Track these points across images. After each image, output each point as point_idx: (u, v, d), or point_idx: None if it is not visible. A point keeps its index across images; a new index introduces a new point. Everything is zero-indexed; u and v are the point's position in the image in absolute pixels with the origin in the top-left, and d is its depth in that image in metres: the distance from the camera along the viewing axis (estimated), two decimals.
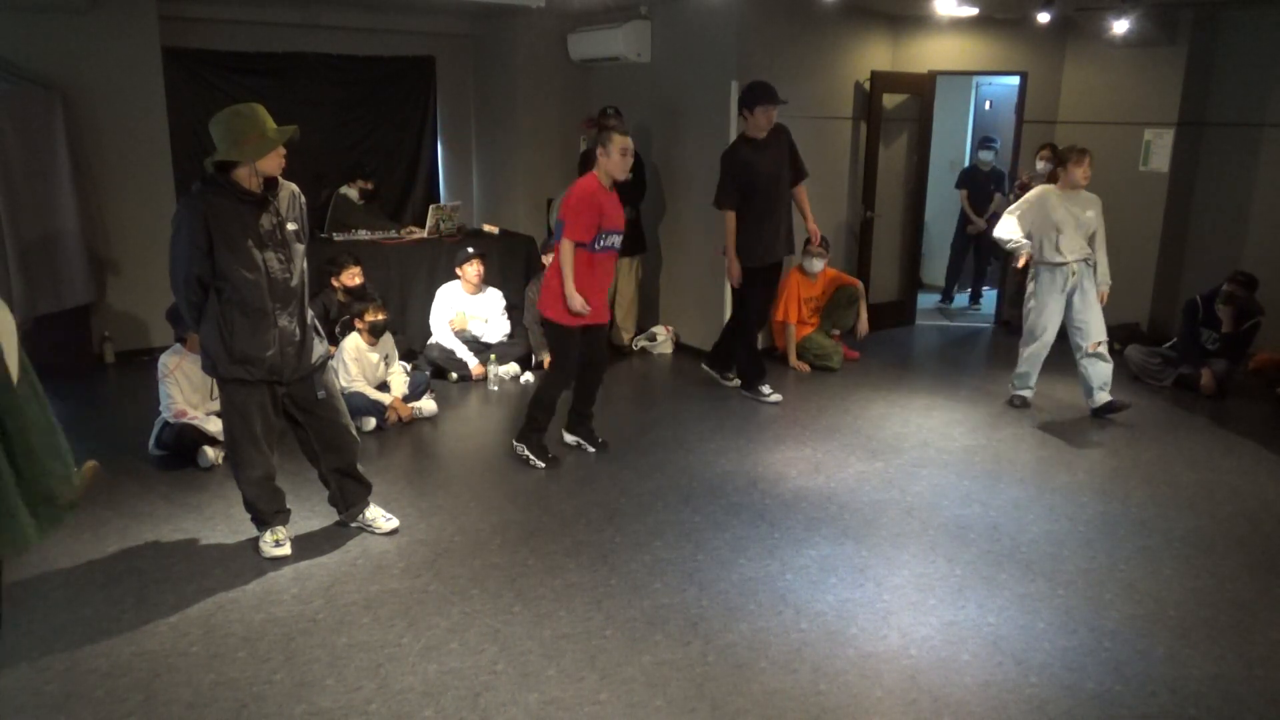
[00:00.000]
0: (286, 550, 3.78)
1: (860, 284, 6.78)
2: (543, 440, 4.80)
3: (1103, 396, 5.57)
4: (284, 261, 3.53)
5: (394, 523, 4.04)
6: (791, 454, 4.99)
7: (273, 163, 3.43)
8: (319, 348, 3.76)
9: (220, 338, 3.49)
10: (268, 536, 3.79)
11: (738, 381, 6.09)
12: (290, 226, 3.57)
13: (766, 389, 5.89)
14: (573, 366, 4.74)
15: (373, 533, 4.00)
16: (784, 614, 3.40)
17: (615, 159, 4.54)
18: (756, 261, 5.66)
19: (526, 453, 4.76)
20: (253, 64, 7.41)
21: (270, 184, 3.50)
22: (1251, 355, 6.48)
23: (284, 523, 3.87)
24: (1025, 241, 5.49)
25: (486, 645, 3.17)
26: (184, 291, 3.48)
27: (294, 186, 3.64)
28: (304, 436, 3.86)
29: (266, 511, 3.80)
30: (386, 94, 8.15)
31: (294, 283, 3.58)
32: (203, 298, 3.49)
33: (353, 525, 4.03)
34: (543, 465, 4.72)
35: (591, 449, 4.99)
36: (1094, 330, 5.48)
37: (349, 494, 3.99)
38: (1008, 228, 5.54)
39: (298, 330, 3.62)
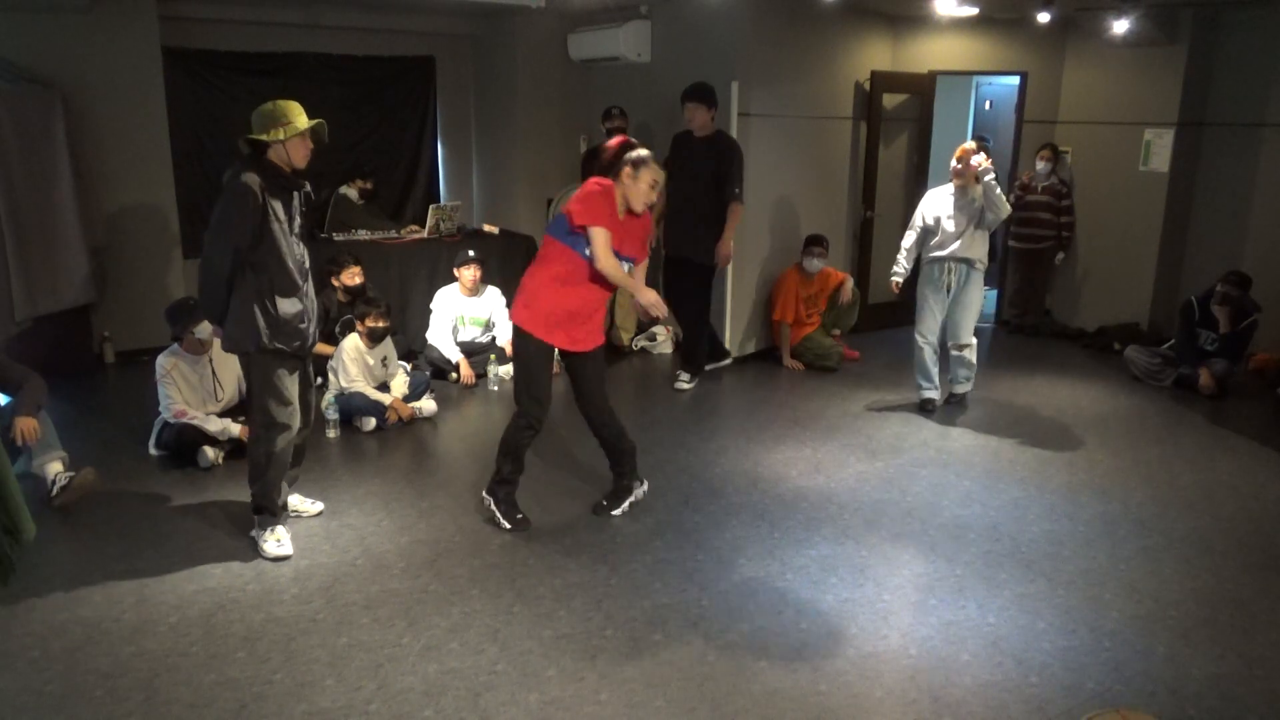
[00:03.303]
0: (289, 550, 3.79)
1: (847, 275, 6.82)
2: (513, 495, 4.07)
3: (963, 388, 5.84)
4: (301, 246, 3.76)
5: (319, 505, 4.19)
6: (791, 454, 4.99)
7: (300, 152, 3.62)
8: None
9: (264, 309, 3.61)
10: (269, 536, 3.80)
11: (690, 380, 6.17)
12: (298, 220, 3.76)
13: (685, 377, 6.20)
14: (543, 399, 3.90)
15: (299, 517, 4.10)
16: (784, 614, 3.39)
17: (642, 188, 3.75)
18: (669, 250, 6.13)
19: (493, 508, 4.04)
20: (253, 64, 7.41)
21: (300, 174, 3.69)
22: (1251, 355, 6.48)
23: (285, 521, 3.91)
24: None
25: (486, 645, 3.17)
26: (223, 265, 3.55)
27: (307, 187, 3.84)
28: None
29: (275, 504, 3.82)
30: (386, 94, 8.15)
31: (307, 264, 3.81)
32: (236, 273, 3.59)
33: None
34: (509, 527, 4.00)
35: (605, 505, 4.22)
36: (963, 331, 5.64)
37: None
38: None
39: (311, 308, 3.83)
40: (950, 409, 5.77)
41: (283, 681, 2.96)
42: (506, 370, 6.27)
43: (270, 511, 3.83)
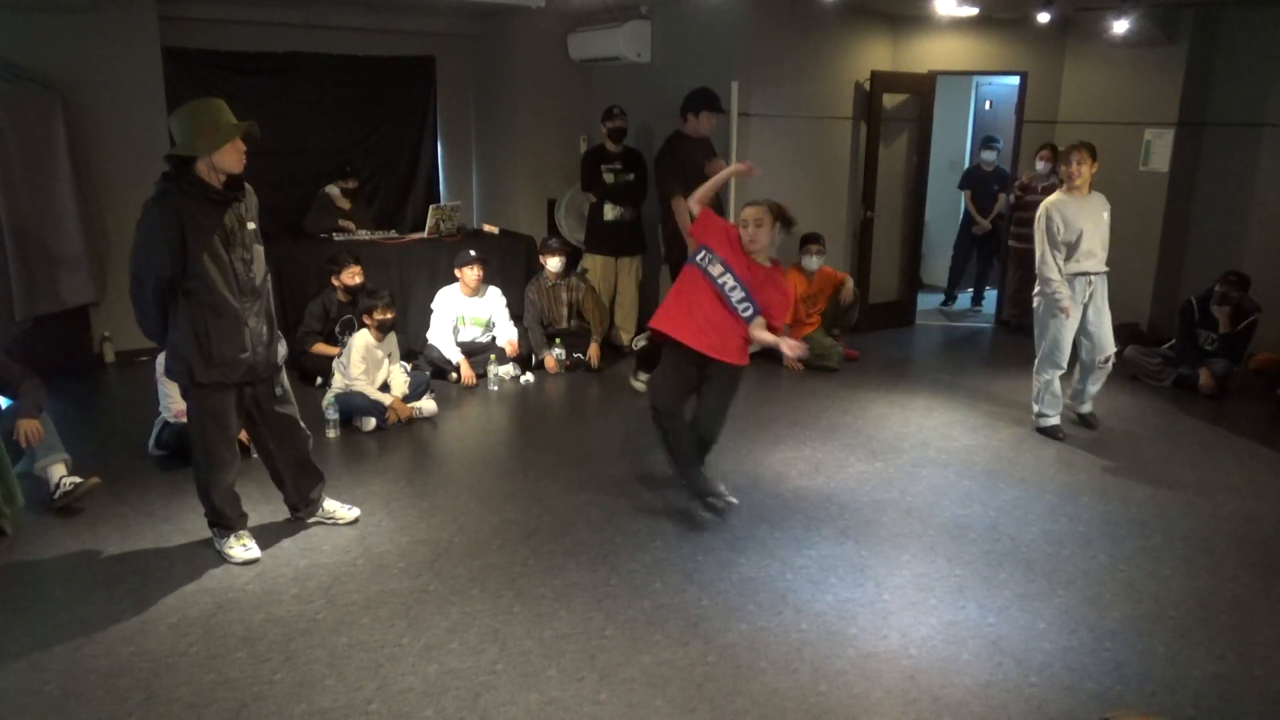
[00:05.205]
0: (256, 553, 3.73)
1: (847, 275, 6.82)
2: (709, 486, 4.19)
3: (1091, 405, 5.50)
4: (246, 261, 3.52)
5: (355, 512, 4.09)
6: (791, 454, 4.99)
7: (231, 158, 3.41)
8: (282, 346, 3.82)
9: (197, 342, 3.43)
10: (234, 542, 3.73)
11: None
12: (250, 226, 3.55)
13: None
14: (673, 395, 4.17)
15: (335, 524, 4.03)
16: (784, 614, 3.39)
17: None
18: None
19: (711, 497, 4.18)
20: (253, 64, 7.41)
21: (234, 183, 3.47)
22: (1251, 355, 6.48)
23: (245, 525, 3.83)
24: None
25: (486, 645, 3.17)
26: (153, 294, 3.40)
27: (248, 186, 3.60)
28: (259, 434, 3.85)
29: (233, 517, 3.76)
30: (386, 94, 8.15)
31: (258, 282, 3.58)
32: (170, 301, 3.43)
33: (310, 521, 4.04)
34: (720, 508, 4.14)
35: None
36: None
37: (304, 488, 3.98)
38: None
39: (265, 328, 3.63)
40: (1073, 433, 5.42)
41: (283, 681, 2.96)
42: (506, 370, 6.28)
43: (224, 525, 3.75)
